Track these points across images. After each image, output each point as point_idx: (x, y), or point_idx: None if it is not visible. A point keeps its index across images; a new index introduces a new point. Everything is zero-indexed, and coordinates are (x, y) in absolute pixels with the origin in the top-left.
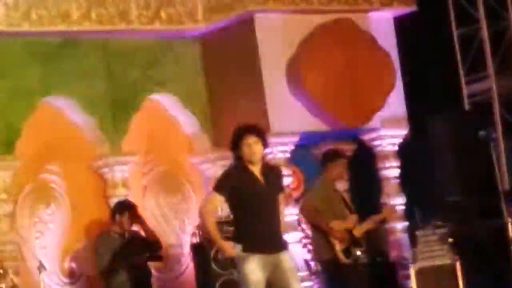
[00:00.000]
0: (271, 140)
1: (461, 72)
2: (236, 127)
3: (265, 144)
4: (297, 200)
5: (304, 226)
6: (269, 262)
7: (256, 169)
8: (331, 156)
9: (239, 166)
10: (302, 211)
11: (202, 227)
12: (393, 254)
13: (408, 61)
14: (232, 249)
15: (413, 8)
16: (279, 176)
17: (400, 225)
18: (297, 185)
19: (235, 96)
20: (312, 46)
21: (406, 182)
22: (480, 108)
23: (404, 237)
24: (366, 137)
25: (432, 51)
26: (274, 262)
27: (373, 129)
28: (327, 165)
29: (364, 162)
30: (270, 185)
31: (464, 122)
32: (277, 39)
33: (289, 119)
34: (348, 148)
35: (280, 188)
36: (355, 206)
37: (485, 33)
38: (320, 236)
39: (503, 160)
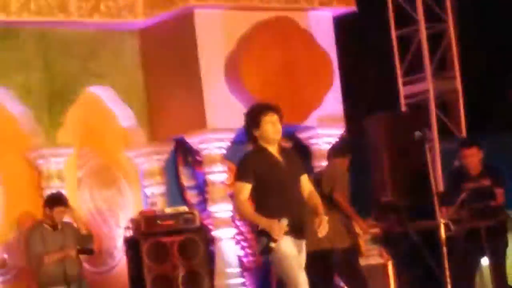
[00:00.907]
0: (208, 136)
1: (399, 73)
2: (254, 104)
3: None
4: (231, 196)
5: (238, 222)
6: (296, 246)
7: (274, 150)
8: (337, 151)
9: (258, 149)
10: (336, 199)
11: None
12: None
13: (347, 61)
14: (282, 224)
15: (352, 8)
16: (297, 156)
17: None
18: (233, 181)
19: (173, 90)
20: (251, 43)
21: None
22: (416, 110)
23: None
24: (302, 135)
25: (371, 52)
26: (298, 248)
27: (310, 128)
28: (333, 160)
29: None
30: (291, 166)
31: (400, 123)
32: (216, 35)
33: (226, 115)
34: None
35: (303, 169)
36: None
37: (423, 35)
38: (347, 223)
39: (438, 162)
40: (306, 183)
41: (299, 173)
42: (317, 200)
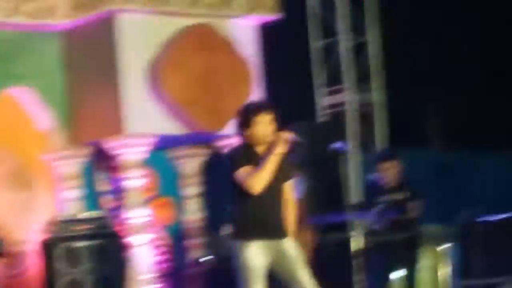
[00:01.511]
0: (125, 141)
1: (318, 84)
2: (249, 103)
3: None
4: (149, 201)
5: (154, 228)
6: (272, 248)
7: (261, 151)
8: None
9: (246, 147)
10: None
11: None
12: None
13: (268, 70)
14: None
15: (276, 16)
16: (285, 161)
17: None
18: (151, 186)
19: (93, 94)
20: (172, 49)
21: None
22: (334, 121)
23: None
24: (220, 143)
25: (292, 62)
26: (278, 248)
27: (228, 136)
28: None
29: (217, 167)
30: (280, 170)
31: (319, 134)
32: (137, 39)
33: (146, 120)
34: (202, 153)
35: (287, 175)
36: (206, 211)
37: (344, 46)
38: None
39: (356, 173)
40: (287, 191)
41: (281, 178)
42: (289, 216)
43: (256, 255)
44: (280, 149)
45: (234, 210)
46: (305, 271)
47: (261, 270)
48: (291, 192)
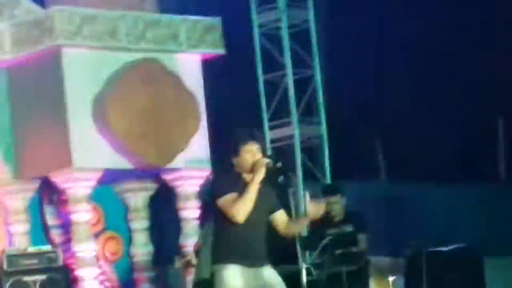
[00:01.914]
0: (73, 175)
1: (265, 117)
2: (237, 131)
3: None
4: (96, 236)
5: (102, 263)
6: (252, 276)
7: (248, 179)
8: None
9: (233, 174)
10: None
11: None
12: None
13: (214, 104)
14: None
15: (221, 51)
16: (272, 192)
17: None
18: (97, 221)
19: (40, 128)
20: (118, 84)
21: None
22: (281, 154)
23: None
24: (168, 177)
25: (238, 95)
26: (258, 276)
27: (176, 169)
28: None
29: (165, 201)
30: (262, 199)
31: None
32: (84, 74)
33: (92, 155)
34: (150, 187)
35: (277, 205)
36: (153, 245)
37: (290, 80)
38: None
39: (303, 207)
40: (281, 218)
41: (269, 207)
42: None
43: (235, 278)
44: (260, 176)
45: (215, 235)
46: None
47: None
48: (285, 218)
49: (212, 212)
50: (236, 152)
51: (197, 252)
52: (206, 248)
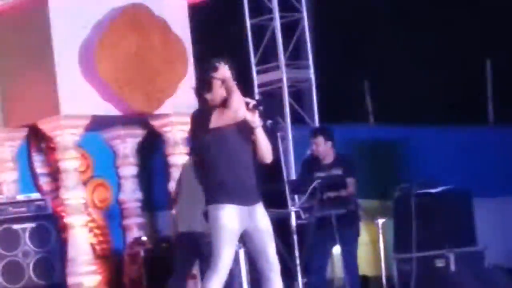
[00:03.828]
0: (61, 122)
1: (253, 61)
2: (205, 63)
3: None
4: (84, 183)
5: (91, 210)
6: (246, 216)
7: None
8: None
9: (208, 111)
10: None
11: None
12: None
13: (201, 50)
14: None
15: None
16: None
17: None
18: (86, 168)
19: (27, 76)
20: (105, 30)
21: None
22: (269, 98)
23: None
24: (156, 123)
25: (225, 40)
26: (251, 218)
27: (164, 115)
28: None
29: (153, 148)
30: (242, 129)
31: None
32: (71, 21)
33: (80, 102)
34: (138, 133)
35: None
36: (142, 192)
37: (277, 24)
38: None
39: (291, 150)
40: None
41: (250, 136)
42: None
43: (230, 219)
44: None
45: (205, 173)
46: (273, 247)
47: (234, 234)
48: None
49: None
50: (208, 86)
51: (175, 200)
52: (182, 196)
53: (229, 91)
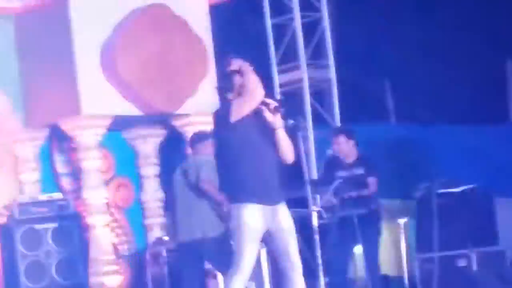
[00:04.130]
0: (82, 122)
1: (274, 61)
2: (224, 59)
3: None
4: (106, 183)
5: (113, 209)
6: (269, 215)
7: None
8: (202, 138)
9: (228, 105)
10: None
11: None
12: None
13: (222, 49)
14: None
15: None
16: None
17: None
18: (107, 168)
19: (48, 76)
20: (126, 30)
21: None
22: (291, 98)
23: None
24: (177, 122)
25: (246, 40)
26: (274, 217)
27: (185, 115)
28: (197, 147)
29: (175, 147)
30: (265, 128)
31: None
32: (92, 21)
33: (101, 102)
34: (159, 133)
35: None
36: (163, 191)
37: (298, 24)
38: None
39: (312, 150)
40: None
41: (273, 136)
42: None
43: (253, 218)
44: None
45: (227, 172)
46: (295, 247)
47: (257, 233)
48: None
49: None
50: (228, 81)
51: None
52: (176, 206)
53: (244, 75)
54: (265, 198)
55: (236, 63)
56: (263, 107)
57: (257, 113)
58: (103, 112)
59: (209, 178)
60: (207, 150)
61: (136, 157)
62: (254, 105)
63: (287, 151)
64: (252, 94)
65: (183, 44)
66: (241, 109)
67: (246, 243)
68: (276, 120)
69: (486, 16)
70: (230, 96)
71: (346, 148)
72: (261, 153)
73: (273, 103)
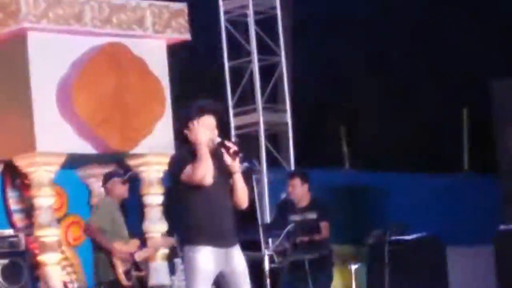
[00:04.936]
0: (36, 159)
1: (230, 103)
2: (190, 104)
3: (221, 125)
4: (59, 220)
5: (64, 247)
6: (222, 258)
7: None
8: (108, 177)
9: (188, 152)
10: (86, 231)
11: None
12: (152, 281)
13: (179, 90)
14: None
15: (187, 37)
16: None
17: (161, 252)
18: (60, 205)
19: (4, 112)
20: (83, 68)
21: (170, 209)
22: (246, 141)
23: (163, 264)
24: (132, 162)
25: (203, 81)
26: (228, 260)
27: (140, 155)
28: (106, 186)
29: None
30: (221, 172)
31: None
32: (49, 58)
33: (56, 139)
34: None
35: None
36: None
37: (255, 67)
38: (104, 257)
39: (266, 193)
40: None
41: (228, 180)
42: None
43: (206, 260)
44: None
45: (182, 214)
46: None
47: (209, 275)
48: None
49: (173, 194)
50: (187, 127)
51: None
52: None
53: (198, 156)
54: (219, 240)
55: (194, 136)
56: (223, 150)
57: (214, 155)
58: (58, 150)
59: (99, 223)
60: (116, 190)
61: (90, 195)
62: (206, 168)
63: (242, 196)
64: (198, 181)
65: (140, 84)
66: (189, 180)
67: (198, 286)
68: (234, 164)
69: (443, 64)
70: (187, 133)
71: (300, 191)
72: (215, 197)
73: (233, 147)
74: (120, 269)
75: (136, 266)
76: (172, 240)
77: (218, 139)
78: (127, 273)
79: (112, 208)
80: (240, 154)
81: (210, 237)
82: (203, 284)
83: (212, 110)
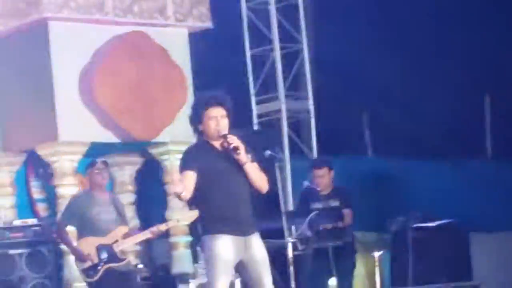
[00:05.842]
0: (59, 148)
1: (252, 92)
2: (198, 96)
3: (230, 116)
4: None
5: None
6: (241, 247)
7: (218, 144)
8: (87, 167)
9: (200, 143)
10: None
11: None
12: (175, 269)
13: (201, 78)
14: None
15: (208, 25)
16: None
17: (184, 240)
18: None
19: (27, 102)
20: (105, 57)
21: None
22: (268, 128)
23: (187, 252)
24: (154, 151)
25: (225, 70)
26: (247, 248)
27: (162, 143)
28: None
29: (152, 175)
30: (235, 161)
31: (252, 142)
32: (71, 47)
33: (78, 128)
34: (136, 161)
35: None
36: (140, 219)
37: (277, 55)
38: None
39: (289, 181)
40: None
41: (238, 167)
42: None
43: (225, 249)
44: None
45: (199, 205)
46: (269, 278)
47: (229, 264)
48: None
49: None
50: (200, 118)
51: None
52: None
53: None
54: (237, 229)
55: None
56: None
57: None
58: (80, 139)
59: (65, 221)
60: (92, 180)
61: (113, 184)
62: (179, 192)
63: (259, 183)
64: (176, 196)
65: (161, 73)
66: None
67: (218, 275)
68: (240, 158)
69: (465, 49)
70: (200, 126)
71: (327, 180)
72: (231, 186)
73: (232, 143)
74: (78, 267)
75: (116, 257)
76: (192, 214)
77: (224, 131)
78: (90, 269)
79: (82, 202)
80: (239, 151)
81: (228, 226)
82: (223, 272)
83: (218, 103)
